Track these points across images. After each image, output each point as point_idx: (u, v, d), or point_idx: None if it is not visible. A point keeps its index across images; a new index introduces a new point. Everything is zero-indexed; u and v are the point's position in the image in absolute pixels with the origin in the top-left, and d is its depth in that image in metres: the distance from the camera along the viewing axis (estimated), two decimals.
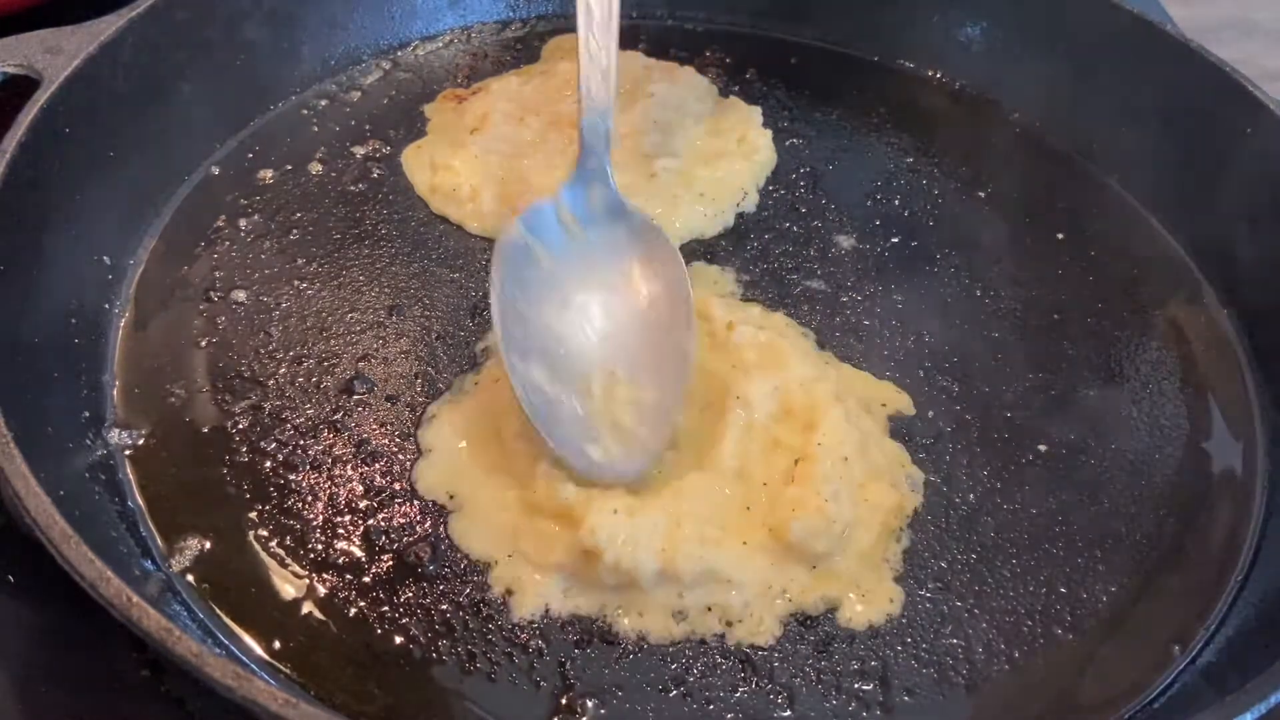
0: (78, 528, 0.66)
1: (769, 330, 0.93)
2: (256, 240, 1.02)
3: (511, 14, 1.30)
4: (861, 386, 0.93)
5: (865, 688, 0.76)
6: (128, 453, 0.85)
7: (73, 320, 0.90)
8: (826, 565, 0.80)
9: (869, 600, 0.80)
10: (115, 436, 0.86)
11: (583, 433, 0.81)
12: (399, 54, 1.24)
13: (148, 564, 0.79)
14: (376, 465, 0.86)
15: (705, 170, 1.09)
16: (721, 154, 1.11)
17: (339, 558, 0.80)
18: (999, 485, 0.89)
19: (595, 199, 0.92)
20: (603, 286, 0.88)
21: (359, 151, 1.12)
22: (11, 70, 0.93)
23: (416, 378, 0.92)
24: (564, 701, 0.74)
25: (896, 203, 1.12)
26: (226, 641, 0.75)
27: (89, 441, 0.84)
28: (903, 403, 0.93)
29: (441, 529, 0.82)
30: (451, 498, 0.83)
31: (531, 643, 0.77)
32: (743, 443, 0.84)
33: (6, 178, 0.84)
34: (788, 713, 0.75)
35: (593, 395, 0.82)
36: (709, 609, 0.78)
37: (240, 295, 0.97)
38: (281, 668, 0.75)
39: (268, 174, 1.09)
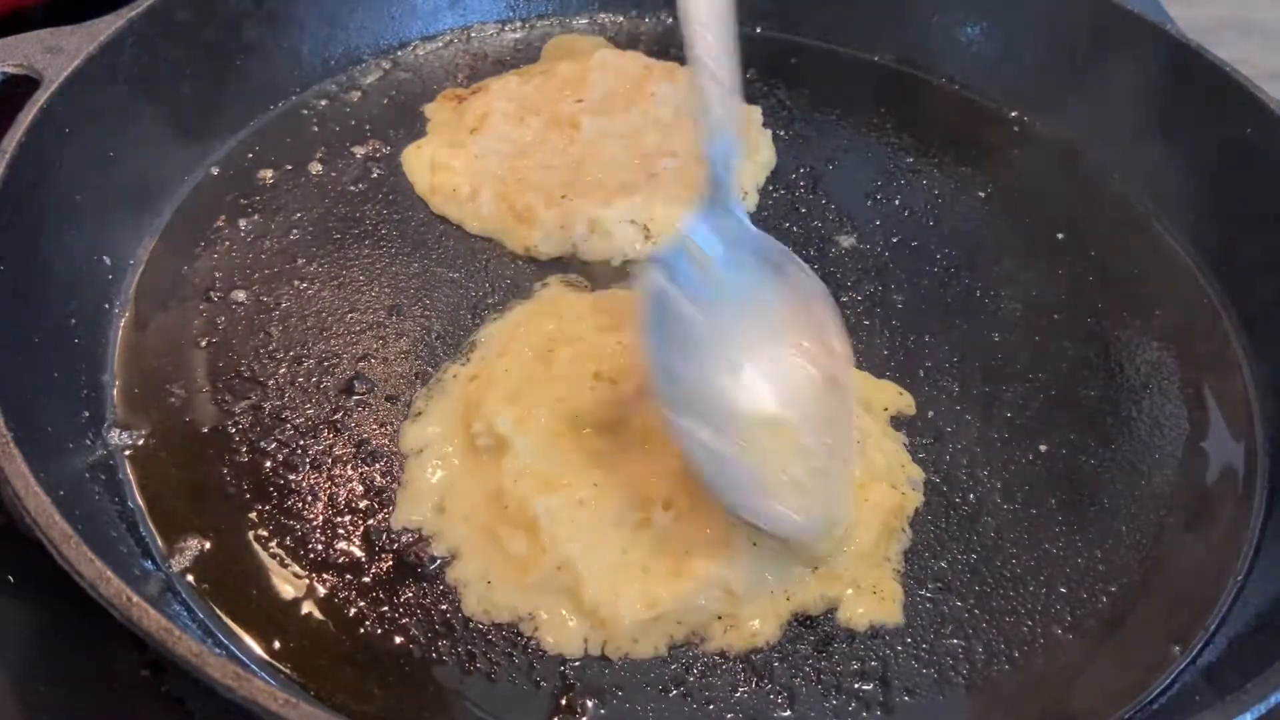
0: (78, 528, 0.66)
1: None
2: (256, 240, 1.02)
3: (511, 14, 1.30)
4: (861, 387, 0.93)
5: (865, 688, 0.76)
6: (128, 453, 0.85)
7: (73, 320, 0.90)
8: (828, 566, 0.80)
9: (869, 600, 0.80)
10: (115, 436, 0.86)
11: (759, 491, 0.76)
12: (399, 54, 1.24)
13: (148, 564, 0.79)
14: (376, 465, 0.86)
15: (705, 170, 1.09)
16: None
17: (339, 558, 0.80)
18: (999, 485, 0.89)
19: (728, 233, 0.83)
20: (753, 332, 0.82)
21: (359, 151, 1.12)
22: (11, 70, 0.93)
23: (416, 378, 0.92)
24: (564, 701, 0.74)
25: (896, 203, 1.12)
26: (226, 641, 0.75)
27: (89, 441, 0.84)
28: (904, 404, 0.93)
29: None
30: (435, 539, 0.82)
31: (531, 642, 0.77)
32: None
33: (6, 178, 0.84)
34: (788, 713, 0.75)
35: (762, 449, 0.77)
36: (717, 616, 0.78)
37: (240, 295, 0.97)
38: (281, 668, 0.75)
39: (268, 174, 1.09)
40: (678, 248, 0.82)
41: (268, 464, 0.86)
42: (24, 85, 0.92)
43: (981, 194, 1.14)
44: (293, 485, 0.84)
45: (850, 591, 0.80)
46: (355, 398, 0.91)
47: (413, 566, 0.80)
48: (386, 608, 0.78)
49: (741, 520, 0.75)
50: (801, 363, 0.81)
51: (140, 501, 0.82)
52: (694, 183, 1.06)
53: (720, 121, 0.82)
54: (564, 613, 0.77)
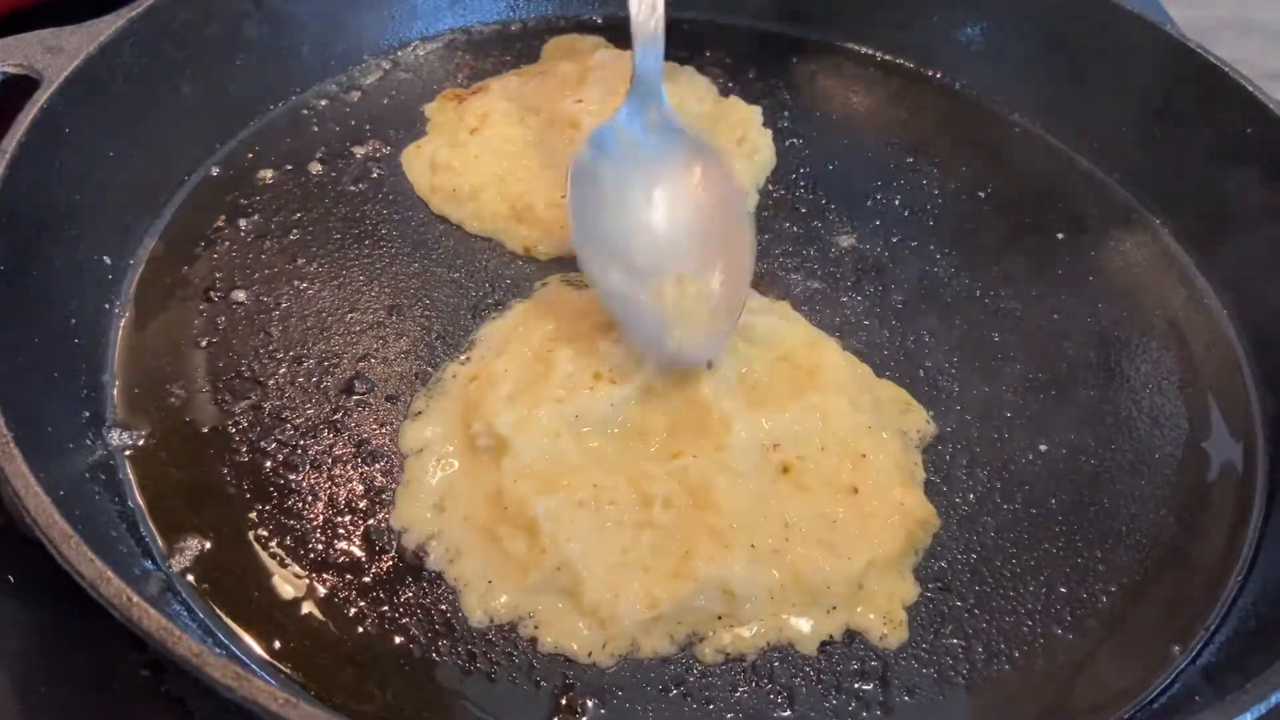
0: (78, 528, 0.66)
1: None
2: (256, 240, 1.02)
3: (511, 14, 1.30)
4: (886, 393, 0.93)
5: (865, 688, 0.76)
6: (128, 453, 0.85)
7: (73, 320, 0.90)
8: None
9: (881, 605, 0.80)
10: (115, 436, 0.86)
11: (659, 328, 0.88)
12: (399, 54, 1.24)
13: (148, 564, 0.79)
14: (376, 465, 0.86)
15: None
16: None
17: (339, 558, 0.80)
18: (999, 485, 0.89)
19: (651, 120, 0.99)
20: (665, 195, 0.96)
21: (359, 151, 1.12)
22: (11, 70, 0.93)
23: (416, 378, 0.92)
24: (564, 701, 0.74)
25: (896, 203, 1.12)
26: (226, 641, 0.75)
27: (89, 441, 0.84)
28: (906, 405, 0.93)
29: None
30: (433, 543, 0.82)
31: (531, 642, 0.77)
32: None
33: (6, 178, 0.84)
34: (788, 713, 0.75)
35: (664, 295, 0.90)
36: (716, 616, 0.78)
37: (240, 295, 0.98)
38: (281, 668, 0.75)
39: (268, 174, 1.09)
40: (607, 127, 0.98)
41: (268, 464, 0.86)
42: (24, 85, 0.92)
43: (981, 194, 1.14)
44: (293, 485, 0.84)
45: (863, 608, 0.80)
46: (355, 398, 0.91)
47: (413, 566, 0.80)
48: (386, 608, 0.78)
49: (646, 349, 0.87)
50: (702, 214, 0.95)
51: (140, 501, 0.82)
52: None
53: (646, 28, 0.99)
54: (564, 613, 0.77)
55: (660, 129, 1.00)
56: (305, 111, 1.16)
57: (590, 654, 0.76)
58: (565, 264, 1.03)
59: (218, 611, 0.77)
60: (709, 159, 0.98)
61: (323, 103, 1.17)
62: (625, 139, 0.98)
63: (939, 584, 0.82)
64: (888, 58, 1.28)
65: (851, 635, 0.79)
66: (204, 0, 1.06)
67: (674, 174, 0.97)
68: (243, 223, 1.04)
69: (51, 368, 0.85)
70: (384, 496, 0.84)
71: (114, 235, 0.97)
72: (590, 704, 0.74)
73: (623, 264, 0.91)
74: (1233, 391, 0.98)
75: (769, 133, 1.17)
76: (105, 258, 0.96)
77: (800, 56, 1.28)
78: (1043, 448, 0.92)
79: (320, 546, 0.81)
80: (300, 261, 1.01)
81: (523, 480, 0.81)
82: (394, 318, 0.97)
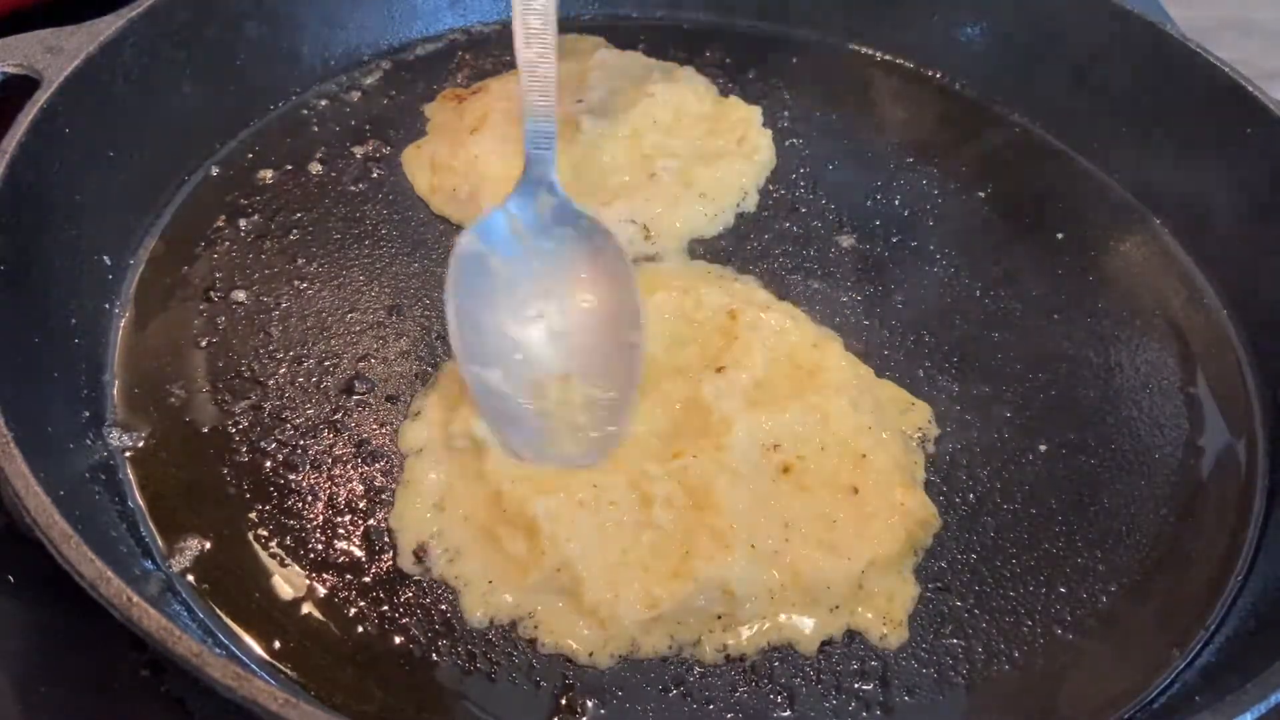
0: (78, 528, 0.66)
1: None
2: (256, 240, 1.03)
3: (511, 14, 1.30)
4: (885, 393, 0.93)
5: (865, 688, 0.76)
6: (128, 453, 0.85)
7: (73, 320, 0.90)
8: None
9: (881, 606, 0.80)
10: (115, 436, 0.86)
11: (540, 431, 0.84)
12: (399, 54, 1.24)
13: (148, 564, 0.79)
14: (376, 465, 0.86)
15: (705, 170, 1.09)
16: (721, 154, 1.11)
17: (339, 558, 0.80)
18: (999, 485, 0.89)
19: (543, 206, 0.94)
20: (554, 291, 0.92)
21: (359, 151, 1.12)
22: (11, 70, 0.93)
23: (416, 378, 0.92)
24: (564, 701, 0.74)
25: (896, 203, 1.12)
26: (226, 641, 0.75)
27: (89, 441, 0.84)
28: (907, 405, 0.93)
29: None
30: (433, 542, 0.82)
31: (531, 643, 0.77)
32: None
33: (6, 178, 0.84)
34: (788, 713, 0.75)
35: (548, 395, 0.86)
36: (716, 616, 0.78)
37: (240, 295, 0.98)
38: (281, 668, 0.75)
39: (268, 174, 1.09)
40: (498, 213, 0.93)
41: (268, 464, 0.86)
42: (24, 85, 0.92)
43: (981, 194, 1.14)
44: (293, 485, 0.84)
45: (863, 609, 0.80)
46: (355, 398, 0.91)
47: (413, 567, 0.80)
48: (386, 608, 0.78)
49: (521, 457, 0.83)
50: (596, 321, 0.90)
51: (140, 501, 0.82)
52: (693, 182, 1.08)
53: (538, 108, 0.94)
54: (564, 613, 0.77)
55: (552, 216, 0.94)
56: (305, 111, 1.16)
57: (590, 654, 0.76)
58: None
59: (218, 611, 0.77)
60: (602, 247, 0.93)
61: (323, 103, 1.17)
62: (516, 227, 0.93)
63: (939, 584, 0.82)
64: (888, 58, 1.28)
65: (851, 635, 0.79)
66: (204, 0, 1.06)
67: (565, 266, 0.93)
68: (243, 223, 1.04)
69: (51, 368, 0.85)
70: (384, 496, 0.84)
71: (114, 235, 0.98)
72: (590, 704, 0.74)
73: (503, 364, 0.86)
74: (1233, 391, 0.98)
75: (769, 133, 1.16)
76: (105, 258, 0.96)
77: (800, 56, 1.28)
78: (1043, 448, 0.92)
79: (320, 546, 0.81)
80: (300, 261, 1.01)
81: (522, 481, 0.81)
82: (394, 318, 0.97)
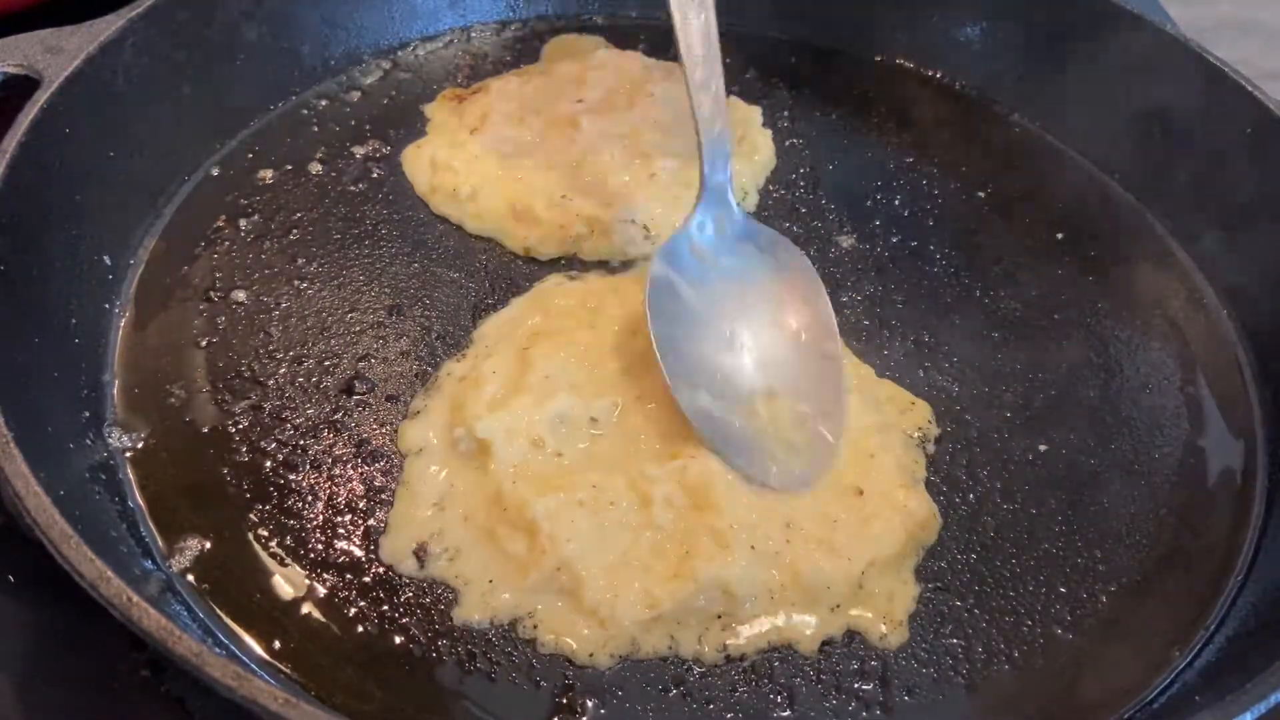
0: (78, 528, 0.66)
1: None
2: (256, 240, 1.03)
3: (511, 14, 1.30)
4: (884, 391, 0.93)
5: (865, 688, 0.76)
6: (128, 453, 0.85)
7: (73, 320, 0.90)
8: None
9: (881, 606, 0.80)
10: (115, 436, 0.86)
11: (758, 451, 0.84)
12: (399, 54, 1.24)
13: (148, 564, 0.79)
14: (376, 465, 0.86)
15: None
16: None
17: (339, 558, 0.80)
18: (999, 485, 0.89)
19: (722, 225, 0.95)
20: (745, 311, 0.92)
21: (359, 151, 1.12)
22: (11, 70, 0.93)
23: (416, 378, 0.92)
24: (564, 701, 0.74)
25: (896, 203, 1.12)
26: (226, 641, 0.75)
27: (89, 441, 0.84)
28: (907, 405, 0.93)
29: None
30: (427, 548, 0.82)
31: (531, 643, 0.77)
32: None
33: (6, 178, 0.84)
34: (787, 713, 0.75)
35: (758, 414, 0.86)
36: (716, 615, 0.78)
37: (240, 295, 0.98)
38: (281, 668, 0.75)
39: (268, 174, 1.09)
40: (680, 238, 0.93)
41: (268, 464, 0.86)
42: (24, 85, 0.92)
43: (981, 194, 1.14)
44: (293, 485, 0.84)
45: (863, 609, 0.80)
46: (355, 398, 0.91)
47: (412, 566, 0.80)
48: (386, 608, 0.78)
49: (747, 476, 0.83)
50: (791, 336, 0.91)
51: (140, 501, 0.82)
52: (693, 183, 1.07)
53: (712, 124, 0.93)
54: (564, 613, 0.77)
55: (734, 235, 0.95)
56: (305, 111, 1.16)
57: (590, 654, 0.76)
58: (565, 264, 1.03)
59: (218, 611, 0.77)
60: (787, 260, 0.95)
61: (323, 103, 1.17)
62: (698, 249, 0.93)
63: (939, 584, 0.82)
64: (888, 58, 1.28)
65: (851, 635, 0.79)
66: (204, 0, 1.06)
67: (752, 283, 0.93)
68: (243, 223, 1.04)
69: (51, 368, 0.85)
70: (384, 496, 0.84)
71: (114, 235, 0.97)
72: (590, 704, 0.74)
73: (709, 385, 0.86)
74: (1233, 391, 0.98)
75: (769, 133, 1.17)
76: (105, 258, 0.96)
77: (800, 56, 1.28)
78: (1043, 448, 0.92)
79: (320, 546, 0.81)
80: (300, 261, 1.01)
81: (522, 481, 0.81)
82: (394, 318, 0.97)
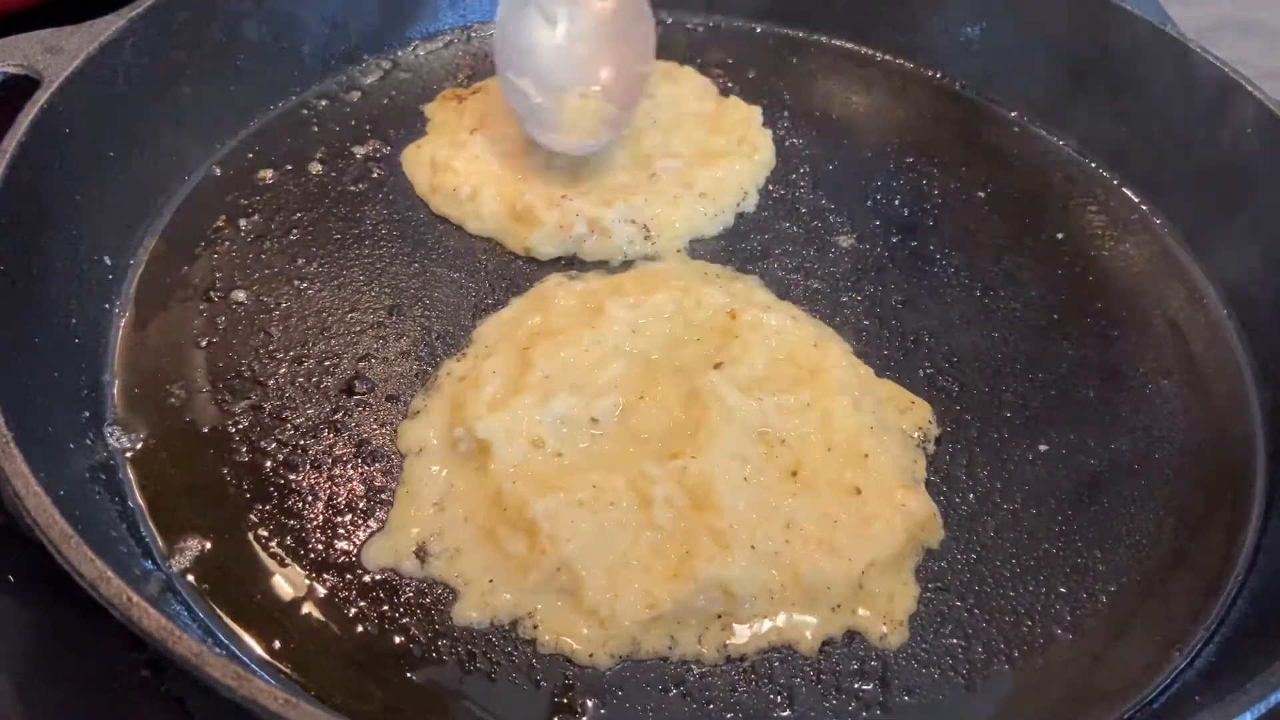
0: (78, 528, 0.66)
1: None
2: (256, 240, 1.03)
3: None
4: (885, 390, 0.93)
5: (865, 688, 0.76)
6: (128, 453, 0.85)
7: (73, 320, 0.90)
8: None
9: (881, 606, 0.80)
10: (115, 436, 0.86)
11: (553, 130, 1.08)
12: (399, 54, 1.24)
13: (148, 564, 0.79)
14: (376, 465, 0.86)
15: (705, 170, 1.09)
16: (721, 154, 1.11)
17: (339, 558, 0.80)
18: (999, 485, 0.89)
19: None
20: (581, 23, 1.13)
21: (359, 151, 1.12)
22: (11, 70, 0.93)
23: (416, 378, 0.92)
24: (564, 701, 0.74)
25: (896, 203, 1.12)
26: (226, 641, 0.75)
27: (89, 441, 0.84)
28: (907, 405, 0.93)
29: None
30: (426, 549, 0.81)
31: (531, 643, 0.77)
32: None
33: (6, 178, 0.84)
34: (787, 713, 0.75)
35: (567, 106, 1.09)
36: (716, 615, 0.78)
37: (240, 295, 0.98)
38: (281, 668, 0.75)
39: (268, 174, 1.09)
40: None
41: (268, 464, 0.86)
42: (24, 85, 0.92)
43: (981, 194, 1.14)
44: (293, 485, 0.84)
45: (863, 609, 0.80)
46: (355, 398, 0.91)
47: (411, 566, 0.80)
48: (386, 608, 0.78)
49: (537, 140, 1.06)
50: (611, 39, 1.13)
51: (140, 502, 0.82)
52: (693, 183, 1.08)
53: None
54: (564, 613, 0.77)
55: None
56: (305, 111, 1.16)
57: (590, 654, 0.76)
58: (565, 264, 1.03)
59: (218, 611, 0.77)
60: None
61: (323, 103, 1.17)
62: None
63: (939, 584, 0.82)
64: (888, 58, 1.28)
65: (851, 635, 0.79)
66: (204, 0, 1.06)
67: (589, 3, 1.13)
68: (243, 223, 1.04)
69: (51, 368, 0.85)
70: (384, 496, 0.84)
71: (114, 235, 0.98)
72: (590, 704, 0.74)
73: (535, 76, 1.09)
74: (1233, 391, 0.98)
75: (769, 133, 1.17)
76: (105, 258, 0.96)
77: (800, 56, 1.28)
78: (1043, 448, 0.92)
79: (320, 546, 0.81)
80: (300, 261, 1.01)
81: (522, 481, 0.81)
82: (394, 318, 0.97)
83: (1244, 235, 1.05)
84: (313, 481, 0.85)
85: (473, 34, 1.28)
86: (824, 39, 1.29)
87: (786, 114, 1.21)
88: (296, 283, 0.99)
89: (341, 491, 0.84)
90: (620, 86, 1.11)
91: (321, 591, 0.79)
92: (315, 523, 0.82)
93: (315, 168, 1.10)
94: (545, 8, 1.11)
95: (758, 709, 0.75)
